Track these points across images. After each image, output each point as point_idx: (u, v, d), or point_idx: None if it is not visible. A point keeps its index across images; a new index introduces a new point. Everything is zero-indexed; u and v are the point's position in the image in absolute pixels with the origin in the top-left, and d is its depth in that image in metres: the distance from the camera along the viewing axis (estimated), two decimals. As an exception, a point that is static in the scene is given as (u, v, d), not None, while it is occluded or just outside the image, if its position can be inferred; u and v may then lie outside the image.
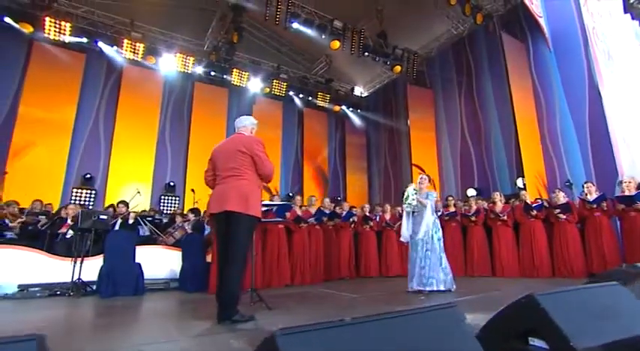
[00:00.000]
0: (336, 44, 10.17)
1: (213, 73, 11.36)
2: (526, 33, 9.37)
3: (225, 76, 11.56)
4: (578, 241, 5.85)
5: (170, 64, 10.60)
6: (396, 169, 12.95)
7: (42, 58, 9.32)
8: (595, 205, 5.72)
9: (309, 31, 9.85)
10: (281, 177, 12.65)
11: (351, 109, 14.23)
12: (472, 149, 10.62)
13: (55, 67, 9.37)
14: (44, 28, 9.07)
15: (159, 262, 5.45)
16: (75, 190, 9.10)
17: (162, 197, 10.27)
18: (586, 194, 5.92)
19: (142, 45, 9.97)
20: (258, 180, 3.22)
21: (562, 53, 8.75)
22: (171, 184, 10.51)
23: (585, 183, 6.11)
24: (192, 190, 8.27)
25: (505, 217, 6.37)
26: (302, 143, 13.37)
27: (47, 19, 9.10)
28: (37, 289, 4.66)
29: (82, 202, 8.74)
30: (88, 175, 9.33)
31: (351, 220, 6.98)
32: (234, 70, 11.56)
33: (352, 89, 14.60)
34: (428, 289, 4.54)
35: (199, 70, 11.25)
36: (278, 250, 5.81)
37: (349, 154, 14.21)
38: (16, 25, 8.92)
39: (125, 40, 9.81)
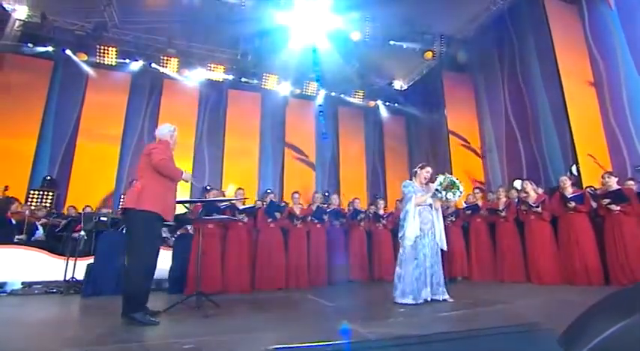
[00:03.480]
0: (357, 35, 9.37)
1: (244, 80, 11.33)
2: (579, -7, 7.66)
3: (256, 81, 11.46)
4: (640, 238, 4.33)
5: (203, 74, 10.81)
6: (438, 163, 11.56)
7: (96, 81, 10.13)
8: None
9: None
10: (317, 178, 12.13)
11: (387, 103, 13.16)
12: (518, 135, 8.94)
13: (105, 88, 10.11)
14: (96, 55, 9.87)
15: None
16: (123, 195, 9.66)
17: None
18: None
19: (176, 59, 10.32)
20: (161, 178, 3.09)
21: (627, 10, 6.98)
22: (208, 187, 10.63)
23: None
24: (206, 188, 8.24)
25: (539, 209, 5.00)
26: (337, 142, 12.69)
27: (98, 47, 9.88)
28: (39, 286, 4.78)
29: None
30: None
31: (358, 218, 6.17)
32: (264, 74, 11.40)
33: (390, 83, 13.51)
34: (440, 298, 3.63)
35: (231, 77, 11.30)
36: (270, 250, 5.28)
37: (388, 151, 13.14)
38: (74, 56, 9.86)
39: (162, 57, 10.23)
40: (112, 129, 10.02)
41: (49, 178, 9.20)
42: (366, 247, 6.23)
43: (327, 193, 11.58)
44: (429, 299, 3.58)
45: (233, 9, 9.61)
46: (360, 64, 12.49)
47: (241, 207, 5.11)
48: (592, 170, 6.76)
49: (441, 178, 3.91)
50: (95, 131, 9.71)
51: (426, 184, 3.94)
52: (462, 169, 9.67)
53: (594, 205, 4.80)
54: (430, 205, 3.91)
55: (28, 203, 8.60)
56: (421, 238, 3.74)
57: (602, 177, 4.79)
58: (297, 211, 5.66)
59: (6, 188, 8.57)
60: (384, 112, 13.37)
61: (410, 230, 3.70)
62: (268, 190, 5.91)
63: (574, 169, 7.33)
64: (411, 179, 4.09)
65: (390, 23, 9.75)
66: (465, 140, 10.16)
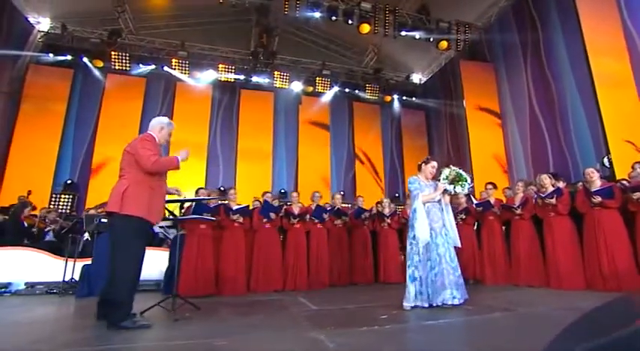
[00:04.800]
0: (366, 28, 9.03)
1: (255, 79, 11.30)
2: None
3: (268, 80, 11.39)
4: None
5: (215, 75, 10.87)
6: (460, 157, 10.95)
7: (112, 87, 10.45)
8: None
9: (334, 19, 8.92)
10: (332, 176, 11.89)
11: (405, 97, 12.67)
12: (544, 125, 8.23)
13: (121, 92, 10.40)
14: (111, 61, 10.18)
15: (150, 263, 5.27)
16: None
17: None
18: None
19: (187, 62, 10.43)
20: (146, 178, 2.89)
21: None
22: (222, 188, 10.68)
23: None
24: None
25: (553, 200, 4.47)
26: (353, 139, 12.37)
27: (113, 53, 10.19)
28: (41, 286, 4.88)
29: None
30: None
31: (362, 217, 5.86)
32: (276, 72, 11.30)
33: (407, 77, 13.02)
34: (459, 302, 3.29)
35: (243, 77, 11.30)
36: (266, 251, 5.10)
37: (407, 147, 12.64)
38: (90, 63, 10.23)
39: (173, 60, 10.39)
40: (128, 132, 10.26)
41: (69, 181, 9.58)
42: (370, 247, 5.91)
43: (342, 192, 11.35)
44: (456, 302, 3.24)
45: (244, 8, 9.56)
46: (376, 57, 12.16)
47: (234, 207, 4.98)
48: (631, 159, 6.06)
49: (446, 171, 3.57)
50: (112, 135, 9.99)
51: (433, 179, 3.63)
52: (482, 166, 9.07)
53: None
54: (439, 201, 3.59)
55: (51, 206, 9.01)
56: (433, 238, 3.42)
57: (632, 167, 4.21)
58: (296, 211, 5.45)
59: (29, 192, 9.02)
60: (401, 107, 12.90)
61: (421, 230, 3.38)
62: (267, 191, 5.74)
63: (606, 160, 6.63)
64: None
65: (402, 12, 9.33)
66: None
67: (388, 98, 12.40)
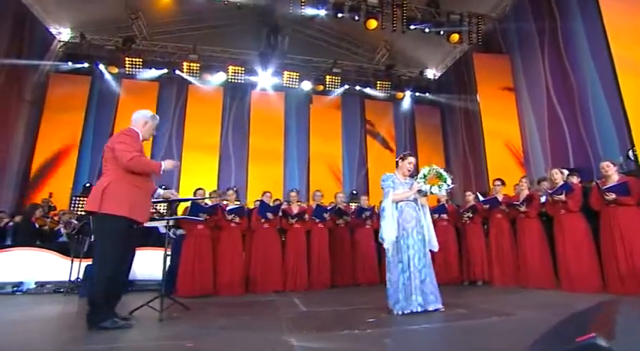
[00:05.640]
0: (373, 24, 8.84)
1: (265, 79, 11.32)
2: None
3: (278, 80, 11.39)
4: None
5: (225, 76, 10.99)
6: (475, 153, 10.55)
7: (127, 91, 10.75)
8: None
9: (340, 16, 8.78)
10: (344, 174, 11.75)
11: (418, 93, 12.35)
12: (563, 117, 7.77)
13: (135, 97, 10.69)
14: (125, 67, 10.49)
15: (153, 263, 5.35)
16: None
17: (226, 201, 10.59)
18: None
19: (198, 65, 10.60)
20: (127, 175, 2.80)
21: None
22: (234, 188, 10.74)
23: None
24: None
25: (562, 197, 4.17)
26: (365, 137, 12.18)
27: (127, 59, 10.49)
28: (49, 285, 5.04)
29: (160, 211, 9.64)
30: (164, 187, 10.23)
31: (363, 216, 5.71)
32: (286, 72, 11.29)
33: (421, 72, 12.68)
34: (431, 308, 3.12)
35: (253, 78, 11.36)
36: (264, 252, 5.05)
37: (421, 144, 12.32)
38: (106, 70, 10.58)
39: (185, 64, 10.58)
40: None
41: (88, 185, 9.93)
42: (374, 247, 5.74)
43: (355, 191, 11.20)
44: (419, 310, 3.07)
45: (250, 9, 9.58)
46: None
47: (229, 207, 4.96)
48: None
49: (425, 169, 3.33)
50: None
51: (410, 176, 3.43)
52: (498, 162, 8.68)
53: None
54: (415, 200, 3.39)
55: (71, 208, 9.38)
56: (404, 239, 3.24)
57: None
58: (295, 210, 5.38)
59: (50, 195, 9.43)
60: (415, 103, 12.59)
61: (387, 231, 3.21)
62: (268, 192, 5.70)
63: (631, 153, 6.16)
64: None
65: (410, 5, 9.07)
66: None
67: (400, 95, 12.14)
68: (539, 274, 4.45)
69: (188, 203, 4.92)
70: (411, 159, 3.40)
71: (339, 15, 8.74)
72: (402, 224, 3.23)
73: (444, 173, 3.30)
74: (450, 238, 5.46)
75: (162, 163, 2.96)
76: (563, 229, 4.30)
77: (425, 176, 3.27)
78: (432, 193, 3.28)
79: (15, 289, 5.04)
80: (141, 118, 3.05)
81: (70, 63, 10.37)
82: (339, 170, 11.64)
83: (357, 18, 8.82)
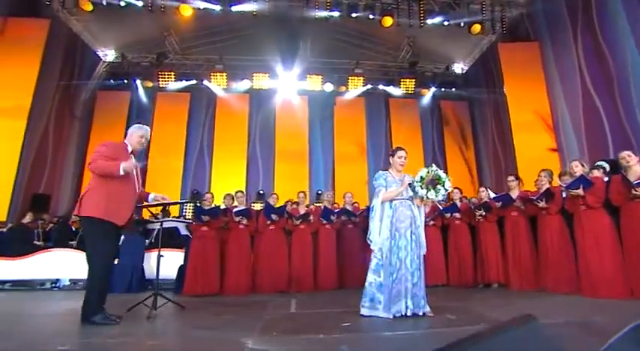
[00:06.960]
0: (389, 21, 8.62)
1: (289, 83, 11.47)
2: None
3: (300, 84, 11.49)
4: None
5: (250, 84, 11.31)
6: (505, 149, 9.84)
7: (161, 104, 11.45)
8: None
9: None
10: (369, 174, 11.52)
11: (444, 89, 11.81)
12: (600, 105, 7.00)
13: (169, 108, 11.35)
14: (158, 81, 11.18)
15: (168, 263, 5.60)
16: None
17: (253, 204, 10.85)
18: None
19: (224, 74, 11.01)
20: (102, 181, 2.98)
21: None
22: (261, 192, 11.00)
23: None
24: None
25: (580, 191, 3.72)
26: (390, 136, 11.87)
27: (160, 73, 11.18)
28: (81, 282, 5.48)
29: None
30: (196, 191, 10.75)
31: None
32: (308, 75, 11.36)
33: (447, 67, 12.11)
34: (420, 312, 2.98)
35: (276, 83, 11.56)
36: (270, 253, 5.08)
37: (448, 141, 11.77)
38: (141, 85, 11.36)
39: (212, 74, 11.04)
40: (176, 145, 11.15)
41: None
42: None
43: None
44: (408, 314, 2.91)
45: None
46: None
47: (235, 209, 5.06)
48: None
49: (423, 171, 3.11)
50: (162, 148, 10.89)
51: (400, 172, 3.23)
52: (528, 157, 8.01)
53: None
54: (410, 199, 3.21)
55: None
56: (396, 240, 3.07)
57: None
58: (302, 211, 5.36)
59: None
60: (441, 99, 12.06)
61: (376, 232, 3.07)
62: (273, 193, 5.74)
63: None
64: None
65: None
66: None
67: (425, 91, 11.68)
68: (558, 277, 4.02)
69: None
70: (401, 153, 3.22)
71: (354, 15, 8.61)
72: (395, 224, 3.07)
73: (443, 176, 3.08)
74: (464, 238, 5.15)
75: (121, 164, 2.97)
76: (582, 227, 3.85)
77: (422, 178, 3.07)
78: (428, 198, 3.08)
79: (53, 285, 5.55)
80: (129, 132, 3.27)
81: (112, 80, 11.27)
82: (364, 169, 11.44)
83: (371, 16, 8.64)
